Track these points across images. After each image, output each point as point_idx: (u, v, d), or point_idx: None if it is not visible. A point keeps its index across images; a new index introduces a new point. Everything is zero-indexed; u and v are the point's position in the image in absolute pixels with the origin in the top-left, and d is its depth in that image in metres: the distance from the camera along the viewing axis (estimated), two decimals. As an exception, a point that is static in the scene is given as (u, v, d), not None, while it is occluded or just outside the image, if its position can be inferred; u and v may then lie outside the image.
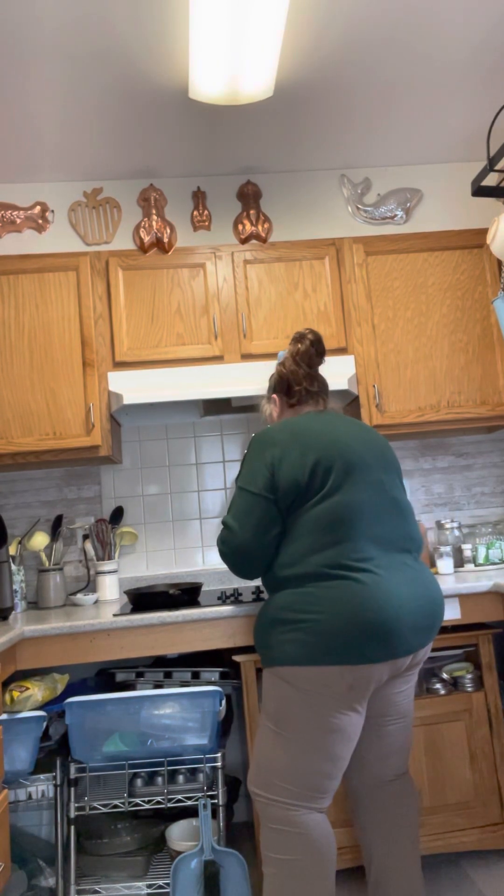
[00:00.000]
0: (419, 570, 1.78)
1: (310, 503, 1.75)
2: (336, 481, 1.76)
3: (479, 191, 2.56)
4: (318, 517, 1.73)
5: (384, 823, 1.87)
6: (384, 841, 1.86)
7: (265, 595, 2.38)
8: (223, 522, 1.83)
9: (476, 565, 2.74)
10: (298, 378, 1.99)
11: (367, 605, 1.66)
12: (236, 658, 2.29)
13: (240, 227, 3.01)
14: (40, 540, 2.69)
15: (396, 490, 1.84)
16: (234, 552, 1.80)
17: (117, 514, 2.88)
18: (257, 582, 2.97)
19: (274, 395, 2.04)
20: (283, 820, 1.71)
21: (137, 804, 2.15)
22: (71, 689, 2.47)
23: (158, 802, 2.13)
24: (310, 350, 2.00)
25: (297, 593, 1.72)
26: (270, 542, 1.78)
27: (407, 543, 1.80)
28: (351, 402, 2.87)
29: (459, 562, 2.78)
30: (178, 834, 2.25)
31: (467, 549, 2.75)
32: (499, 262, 2.82)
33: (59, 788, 2.15)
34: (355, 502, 1.74)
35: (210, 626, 2.22)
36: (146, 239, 2.91)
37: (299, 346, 2.02)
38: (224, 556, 1.83)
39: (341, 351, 2.75)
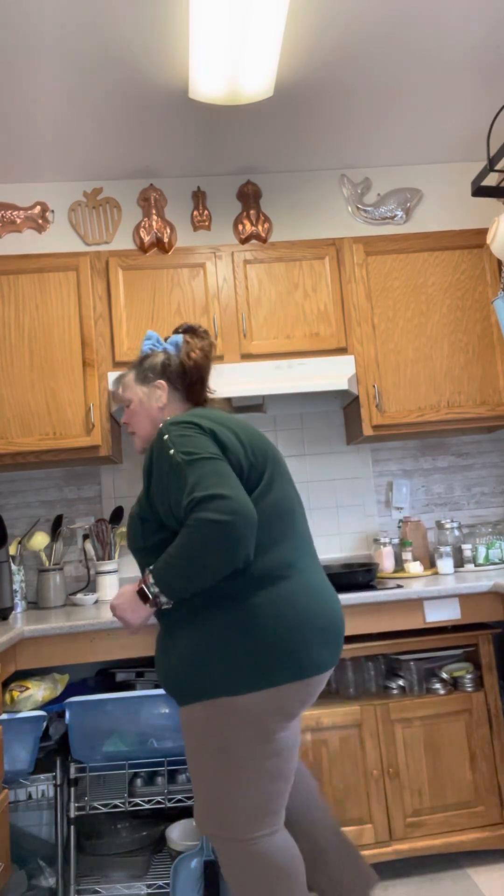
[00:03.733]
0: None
1: (253, 495, 1.57)
2: (270, 473, 1.62)
3: (479, 191, 2.56)
4: (263, 512, 1.57)
5: (304, 806, 1.82)
6: (309, 813, 1.82)
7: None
8: (207, 496, 1.41)
9: (476, 565, 2.74)
10: (205, 375, 1.79)
11: (318, 607, 1.54)
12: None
13: (240, 227, 3.01)
14: (40, 540, 2.69)
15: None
16: (242, 519, 1.41)
17: (117, 514, 2.88)
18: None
19: (161, 382, 1.77)
20: (250, 854, 1.55)
21: (137, 804, 2.15)
22: (71, 689, 2.47)
23: (158, 802, 2.13)
24: (213, 348, 1.83)
25: (244, 606, 1.50)
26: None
27: (313, 544, 1.74)
28: (351, 402, 2.87)
29: (459, 562, 2.78)
30: (178, 834, 2.24)
31: (467, 549, 2.75)
32: (499, 262, 2.82)
33: (59, 788, 2.15)
34: (288, 497, 1.63)
35: (210, 626, 2.22)
36: (146, 239, 2.91)
37: (205, 341, 1.82)
38: (218, 530, 1.40)
39: (341, 351, 2.74)
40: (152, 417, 1.77)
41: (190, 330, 1.85)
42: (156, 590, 1.50)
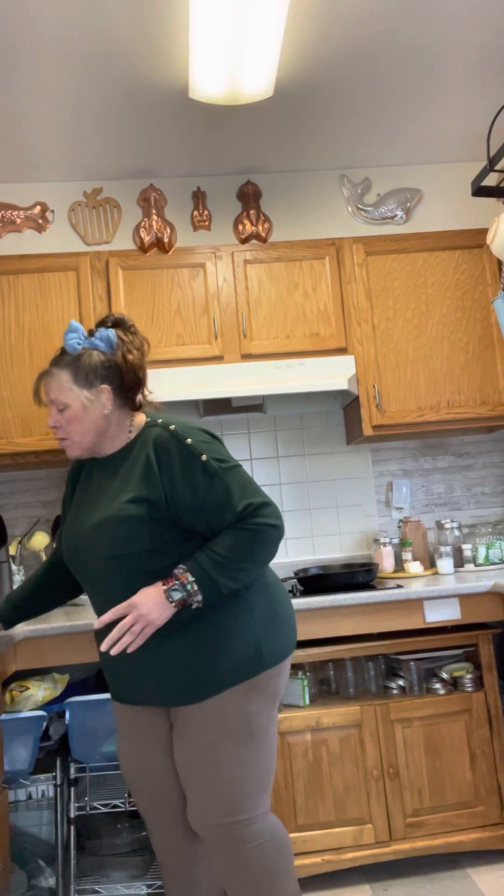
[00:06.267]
0: None
1: None
2: None
3: (479, 191, 2.56)
4: None
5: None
6: None
7: None
8: (262, 503, 1.55)
9: (476, 565, 2.74)
10: (143, 378, 1.69)
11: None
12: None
13: (240, 227, 3.01)
14: (40, 540, 2.69)
15: None
16: (283, 522, 1.63)
17: (117, 514, 2.88)
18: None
19: (106, 387, 1.63)
20: (258, 833, 1.58)
21: (137, 804, 2.15)
22: (71, 689, 2.47)
23: (158, 802, 2.13)
24: (148, 346, 1.72)
25: (264, 588, 1.65)
26: None
27: None
28: (351, 402, 2.87)
29: (459, 562, 2.78)
30: (178, 834, 2.24)
31: (467, 549, 2.75)
32: (499, 262, 2.82)
33: (59, 788, 2.15)
34: None
35: (210, 626, 2.22)
36: (146, 239, 2.91)
37: (138, 337, 1.70)
38: (277, 534, 1.57)
39: (341, 351, 2.74)
40: (97, 426, 1.63)
41: (119, 324, 1.70)
42: (194, 588, 1.50)
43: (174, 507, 1.55)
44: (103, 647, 1.50)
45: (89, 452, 1.69)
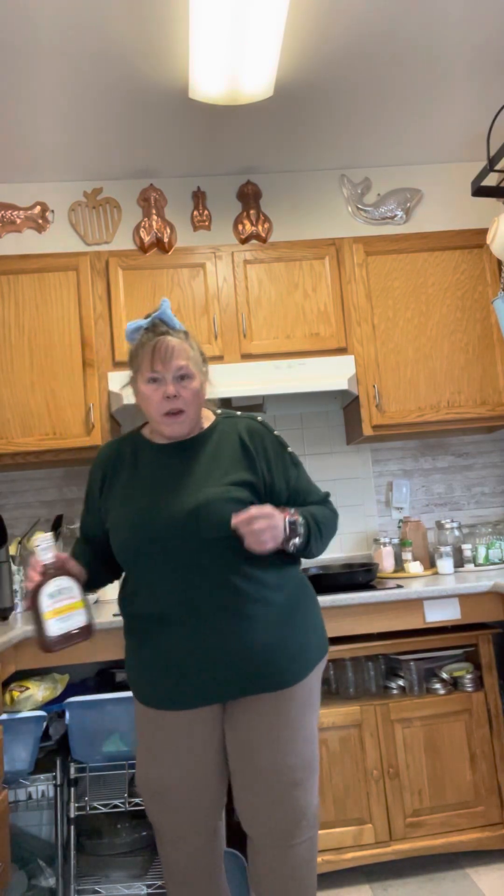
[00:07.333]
0: None
1: None
2: None
3: (479, 191, 2.56)
4: None
5: None
6: None
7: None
8: (328, 496, 1.73)
9: (476, 565, 2.74)
10: None
11: None
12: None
13: (240, 227, 3.01)
14: (40, 540, 2.68)
15: None
16: None
17: (117, 514, 2.88)
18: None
19: (206, 369, 1.68)
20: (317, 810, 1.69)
21: (137, 804, 2.15)
22: (71, 689, 2.47)
23: (158, 802, 2.13)
24: None
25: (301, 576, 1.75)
26: None
27: None
28: (351, 402, 2.87)
29: (459, 562, 2.78)
30: (178, 834, 2.24)
31: (467, 549, 2.75)
32: (499, 262, 2.82)
33: (59, 788, 2.15)
34: None
35: (210, 626, 2.22)
36: (146, 239, 2.91)
37: None
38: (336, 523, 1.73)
39: (341, 351, 2.74)
40: (202, 406, 1.65)
41: None
42: (303, 530, 1.56)
43: (270, 491, 1.63)
44: (233, 524, 1.47)
45: (186, 430, 1.63)
